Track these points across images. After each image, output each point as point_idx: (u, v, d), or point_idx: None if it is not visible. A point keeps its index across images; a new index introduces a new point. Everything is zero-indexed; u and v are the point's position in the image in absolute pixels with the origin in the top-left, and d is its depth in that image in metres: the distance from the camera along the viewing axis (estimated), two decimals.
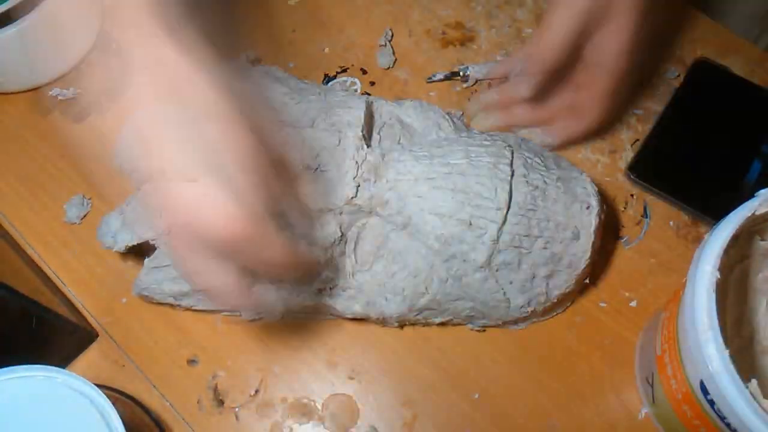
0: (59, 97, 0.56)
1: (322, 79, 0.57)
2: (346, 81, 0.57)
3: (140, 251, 0.47)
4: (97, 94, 0.57)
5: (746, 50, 0.57)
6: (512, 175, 0.43)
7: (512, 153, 0.44)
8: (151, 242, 0.45)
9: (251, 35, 0.59)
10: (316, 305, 0.45)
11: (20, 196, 0.53)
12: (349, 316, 0.46)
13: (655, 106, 0.55)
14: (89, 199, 0.52)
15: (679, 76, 0.56)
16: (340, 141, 0.44)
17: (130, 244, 0.45)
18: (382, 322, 0.46)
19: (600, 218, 0.44)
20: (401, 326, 0.48)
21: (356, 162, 0.44)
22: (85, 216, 0.52)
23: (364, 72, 0.57)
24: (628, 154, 0.53)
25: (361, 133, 0.44)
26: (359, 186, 0.43)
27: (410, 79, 0.57)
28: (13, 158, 0.54)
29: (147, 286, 0.46)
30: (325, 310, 0.46)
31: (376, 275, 0.44)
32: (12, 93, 0.57)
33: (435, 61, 0.57)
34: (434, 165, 0.44)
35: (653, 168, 0.52)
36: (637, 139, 0.54)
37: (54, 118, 0.56)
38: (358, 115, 0.45)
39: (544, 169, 0.44)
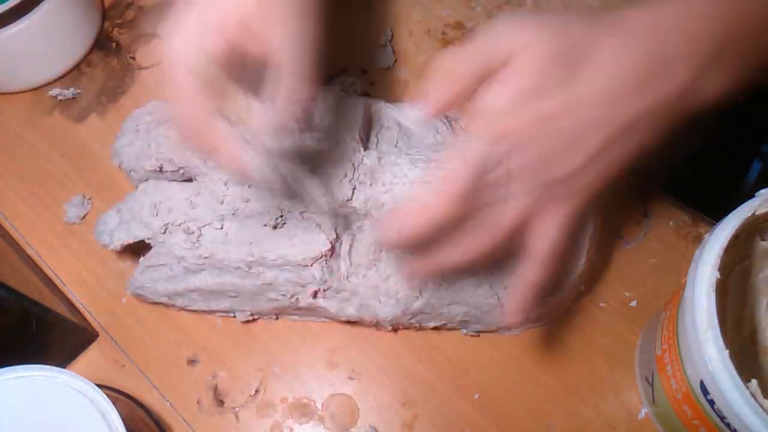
0: (59, 97, 0.56)
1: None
2: (346, 81, 0.57)
3: (138, 251, 0.47)
4: (97, 94, 0.57)
5: None
6: None
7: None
8: (147, 241, 0.45)
9: None
10: (309, 307, 0.45)
11: (20, 196, 0.53)
12: (343, 319, 0.46)
13: None
14: (89, 199, 0.52)
15: None
16: (337, 143, 0.44)
17: (126, 243, 0.45)
18: (376, 324, 0.46)
19: (595, 225, 0.44)
20: (395, 329, 0.47)
21: (353, 164, 0.43)
22: (85, 216, 0.52)
23: (364, 72, 0.57)
24: None
25: (358, 136, 0.44)
26: (355, 188, 0.43)
27: (410, 79, 0.57)
28: (13, 158, 0.54)
29: (141, 285, 0.46)
30: (319, 311, 0.46)
31: (370, 278, 0.44)
32: (12, 93, 0.57)
33: (435, 61, 0.57)
34: (430, 169, 0.44)
35: (653, 168, 0.52)
36: None
37: (54, 118, 0.56)
38: (356, 117, 0.45)
39: None
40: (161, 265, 0.45)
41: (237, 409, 0.46)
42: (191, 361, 0.48)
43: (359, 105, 0.46)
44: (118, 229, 0.46)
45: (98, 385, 0.38)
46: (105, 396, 0.37)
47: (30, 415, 0.37)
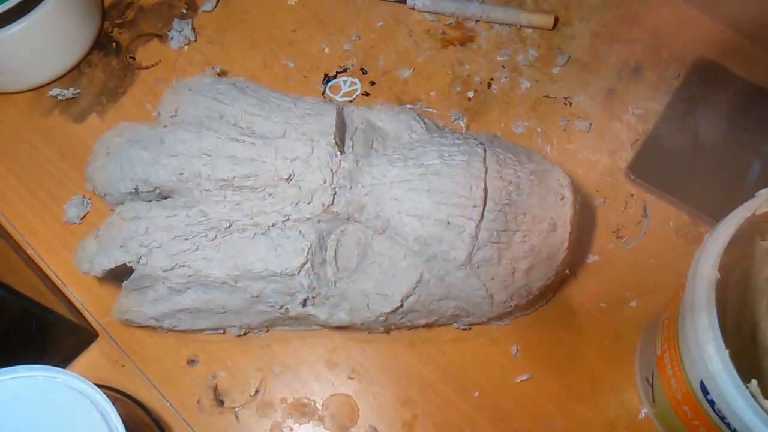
0: (59, 97, 0.56)
1: (322, 79, 0.57)
2: (346, 81, 0.57)
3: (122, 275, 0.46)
4: (96, 94, 0.57)
5: (746, 50, 0.57)
6: (486, 172, 0.43)
7: (485, 150, 0.45)
8: (129, 264, 0.44)
9: (250, 35, 0.59)
10: (299, 316, 0.45)
11: (20, 196, 0.53)
12: (334, 325, 0.45)
13: (655, 106, 0.55)
14: (89, 199, 0.52)
15: (679, 76, 0.56)
16: (313, 150, 0.44)
17: (107, 268, 0.44)
18: (368, 328, 0.46)
19: (575, 208, 0.45)
20: (387, 331, 0.47)
21: (331, 169, 0.43)
22: (85, 216, 0.52)
23: (364, 72, 0.57)
24: (628, 154, 0.53)
25: (333, 141, 0.44)
26: (335, 193, 0.43)
27: (410, 79, 0.57)
28: (13, 158, 0.54)
29: (127, 309, 0.45)
30: (310, 320, 0.45)
31: (358, 281, 0.44)
32: (12, 93, 0.57)
33: (435, 61, 0.57)
34: (408, 167, 0.44)
35: (653, 168, 0.52)
36: (637, 139, 0.54)
37: (54, 118, 0.56)
38: (330, 122, 0.45)
39: (516, 163, 0.45)
40: (145, 287, 0.45)
41: (237, 409, 0.46)
42: (191, 361, 0.48)
43: (331, 110, 0.46)
44: (97, 255, 0.44)
45: (98, 385, 0.38)
46: (105, 396, 0.37)
47: (30, 415, 0.37)
